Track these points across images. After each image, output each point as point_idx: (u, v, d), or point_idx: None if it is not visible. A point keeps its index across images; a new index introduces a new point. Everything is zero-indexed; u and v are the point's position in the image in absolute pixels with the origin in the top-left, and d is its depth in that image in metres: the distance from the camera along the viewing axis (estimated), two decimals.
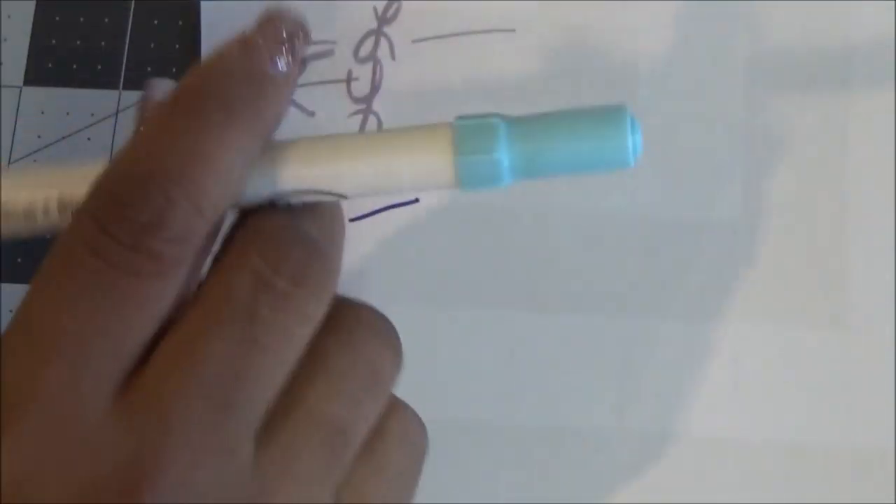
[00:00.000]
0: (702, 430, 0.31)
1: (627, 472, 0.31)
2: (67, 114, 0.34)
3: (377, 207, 0.32)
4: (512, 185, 0.16)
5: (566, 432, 0.31)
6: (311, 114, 0.33)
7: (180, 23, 0.34)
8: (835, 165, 0.32)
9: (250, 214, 0.19)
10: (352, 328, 0.19)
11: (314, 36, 0.33)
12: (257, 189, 0.18)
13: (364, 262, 0.32)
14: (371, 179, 0.18)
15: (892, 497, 0.30)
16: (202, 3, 0.34)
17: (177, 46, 0.34)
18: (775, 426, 0.31)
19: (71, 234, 0.17)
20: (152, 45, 0.34)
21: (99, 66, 0.34)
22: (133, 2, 0.35)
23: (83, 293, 0.17)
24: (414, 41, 0.33)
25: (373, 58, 0.33)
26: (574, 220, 0.32)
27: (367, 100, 0.33)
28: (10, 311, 0.33)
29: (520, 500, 0.31)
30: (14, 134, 0.34)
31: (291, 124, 0.33)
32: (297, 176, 0.18)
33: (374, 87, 0.33)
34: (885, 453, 0.30)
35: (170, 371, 0.16)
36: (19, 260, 0.33)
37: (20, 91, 0.34)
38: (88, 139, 0.34)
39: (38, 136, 0.34)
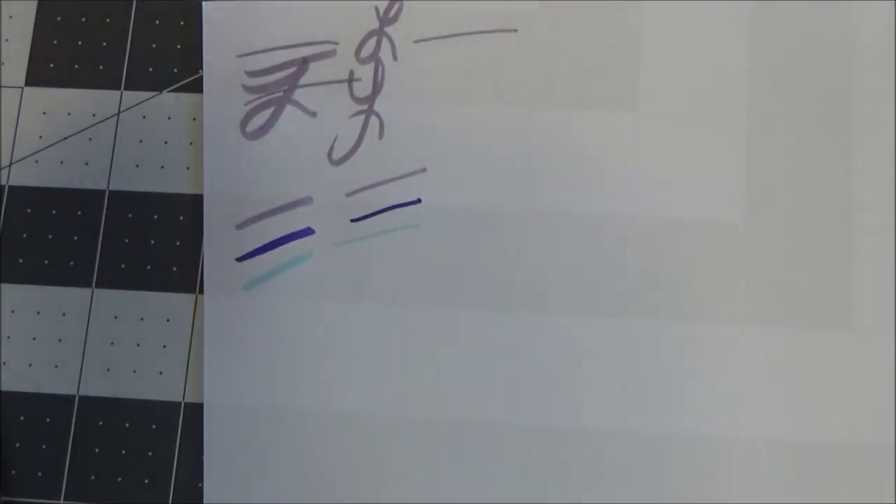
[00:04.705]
0: (703, 430, 0.31)
1: (628, 472, 0.31)
2: (69, 114, 0.34)
3: (379, 208, 0.32)
4: None
5: (568, 433, 0.31)
6: (313, 114, 0.33)
7: (182, 23, 0.34)
8: (837, 165, 0.32)
9: None
10: None
11: (316, 36, 0.34)
12: None
13: (366, 263, 0.32)
14: None
15: (893, 497, 0.30)
16: (203, 3, 0.34)
17: (178, 47, 0.34)
18: (776, 426, 0.31)
19: None
20: (154, 46, 0.34)
21: (100, 67, 0.34)
22: (134, 2, 0.35)
23: None
24: (416, 41, 0.33)
25: (374, 58, 0.33)
26: (574, 221, 0.32)
27: (369, 100, 0.33)
28: (13, 311, 0.33)
29: (520, 500, 0.31)
30: (15, 134, 0.34)
31: (294, 125, 0.33)
32: None
33: (376, 88, 0.33)
34: (886, 453, 0.30)
35: None
36: (21, 260, 0.33)
37: (21, 91, 0.34)
38: (90, 139, 0.34)
39: (40, 137, 0.34)
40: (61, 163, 0.34)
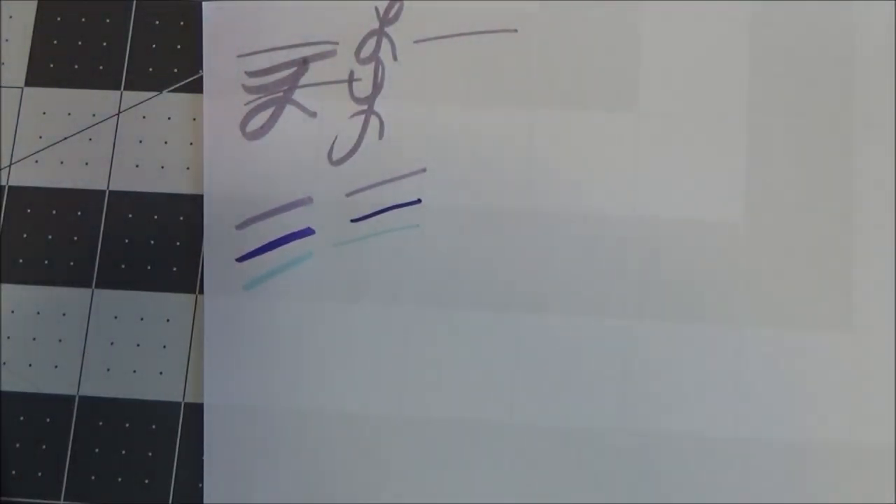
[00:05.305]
0: (703, 430, 0.31)
1: (628, 472, 0.31)
2: (69, 114, 0.34)
3: (379, 208, 0.32)
4: None
5: (568, 433, 0.31)
6: (313, 114, 0.33)
7: (182, 23, 0.34)
8: (837, 165, 0.32)
9: None
10: None
11: (316, 36, 0.34)
12: None
13: (366, 263, 0.32)
14: None
15: (893, 497, 0.30)
16: (203, 3, 0.34)
17: (178, 47, 0.34)
18: (776, 426, 0.31)
19: None
20: (154, 46, 0.34)
21: (100, 67, 0.34)
22: (134, 2, 0.35)
23: None
24: (416, 41, 0.33)
25: (375, 58, 0.33)
26: (575, 221, 0.32)
27: (369, 100, 0.33)
28: (13, 311, 0.33)
29: (520, 500, 0.31)
30: (15, 134, 0.34)
31: (294, 125, 0.33)
32: None
33: (376, 88, 0.33)
34: (886, 453, 0.30)
35: None
36: (20, 260, 0.33)
37: (21, 91, 0.34)
38: (90, 140, 0.34)
39: (40, 137, 0.34)
40: (61, 163, 0.34)
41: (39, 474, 0.32)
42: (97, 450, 0.32)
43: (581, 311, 0.31)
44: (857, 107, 0.32)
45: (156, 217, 0.33)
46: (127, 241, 0.33)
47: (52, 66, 0.34)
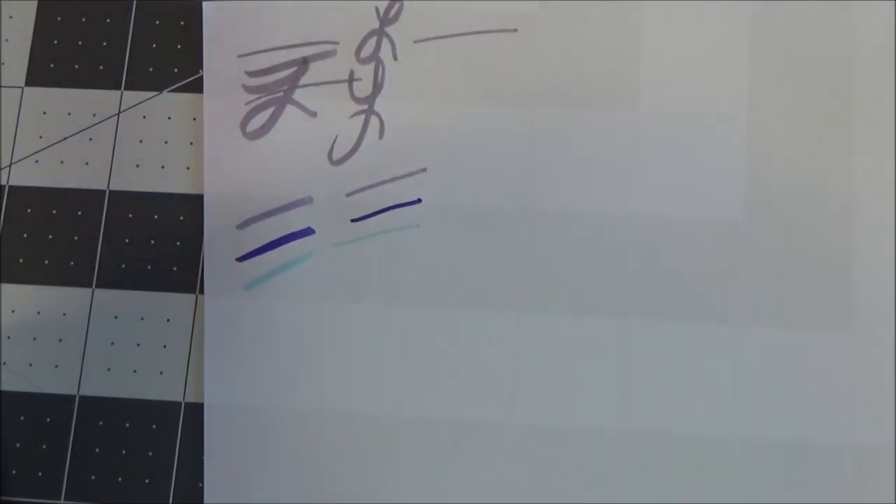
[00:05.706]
0: (702, 429, 0.31)
1: (628, 472, 0.31)
2: (69, 114, 0.34)
3: (379, 208, 0.32)
4: None
5: (568, 433, 0.31)
6: (314, 114, 0.33)
7: (182, 23, 0.34)
8: (837, 165, 0.32)
9: None
10: None
11: (316, 36, 0.34)
12: None
13: (366, 263, 0.32)
14: None
15: (893, 497, 0.30)
16: (203, 4, 0.34)
17: (179, 46, 0.34)
18: (776, 426, 0.31)
19: None
20: (154, 46, 0.34)
21: (101, 67, 0.34)
22: (135, 2, 0.35)
23: None
24: (416, 41, 0.33)
25: (375, 58, 0.33)
26: (575, 220, 0.32)
27: (370, 100, 0.33)
28: (13, 311, 0.33)
29: (520, 500, 0.31)
30: (15, 134, 0.34)
31: (294, 125, 0.33)
32: None
33: (377, 88, 0.33)
34: (885, 453, 0.30)
35: None
36: (21, 260, 0.33)
37: (22, 91, 0.34)
38: (90, 139, 0.34)
39: (40, 137, 0.34)
40: (61, 163, 0.34)
41: (39, 474, 0.32)
42: (97, 450, 0.32)
43: (581, 311, 0.31)
44: (857, 107, 0.32)
45: (156, 217, 0.33)
46: (127, 241, 0.33)
47: (52, 66, 0.35)
